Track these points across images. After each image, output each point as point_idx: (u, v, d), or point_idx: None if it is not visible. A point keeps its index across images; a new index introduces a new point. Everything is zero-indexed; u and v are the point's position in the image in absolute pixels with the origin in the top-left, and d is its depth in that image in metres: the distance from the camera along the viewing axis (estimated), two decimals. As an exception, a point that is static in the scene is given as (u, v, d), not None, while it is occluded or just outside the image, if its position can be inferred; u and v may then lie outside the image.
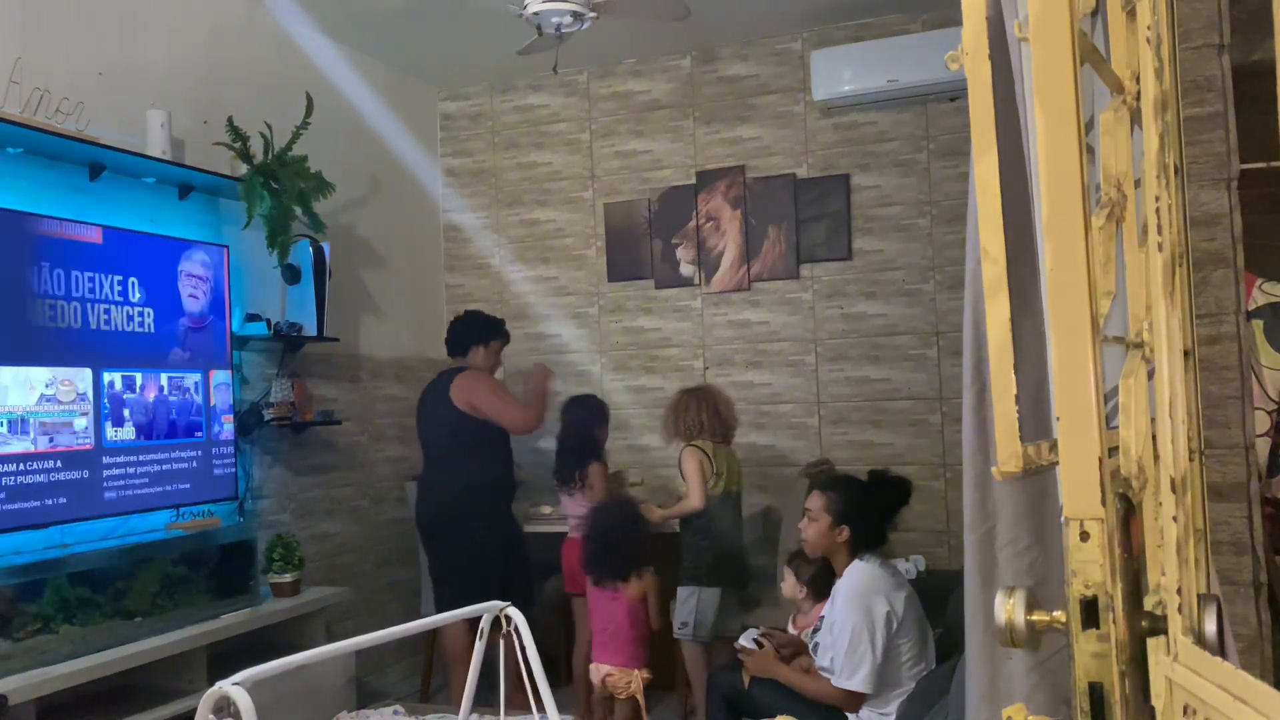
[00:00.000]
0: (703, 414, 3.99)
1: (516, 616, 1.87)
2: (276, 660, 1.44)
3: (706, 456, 3.92)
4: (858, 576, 2.94)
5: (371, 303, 4.72)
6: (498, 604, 1.91)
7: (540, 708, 1.86)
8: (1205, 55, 1.59)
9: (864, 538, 3.02)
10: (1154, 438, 0.91)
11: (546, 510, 4.56)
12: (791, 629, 3.32)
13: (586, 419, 4.18)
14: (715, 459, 3.94)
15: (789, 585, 3.33)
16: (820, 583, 3.20)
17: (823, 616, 3.08)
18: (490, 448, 4.11)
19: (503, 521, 4.15)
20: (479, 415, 4.04)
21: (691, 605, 3.86)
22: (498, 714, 2.08)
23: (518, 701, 3.11)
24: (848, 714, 2.90)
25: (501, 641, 1.90)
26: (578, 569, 3.84)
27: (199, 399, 3.49)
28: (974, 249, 1.58)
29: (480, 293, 5.28)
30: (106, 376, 3.15)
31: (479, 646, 1.91)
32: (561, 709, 1.96)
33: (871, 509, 3.10)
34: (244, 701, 1.26)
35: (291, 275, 3.92)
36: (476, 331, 4.25)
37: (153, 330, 3.33)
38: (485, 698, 2.18)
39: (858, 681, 2.82)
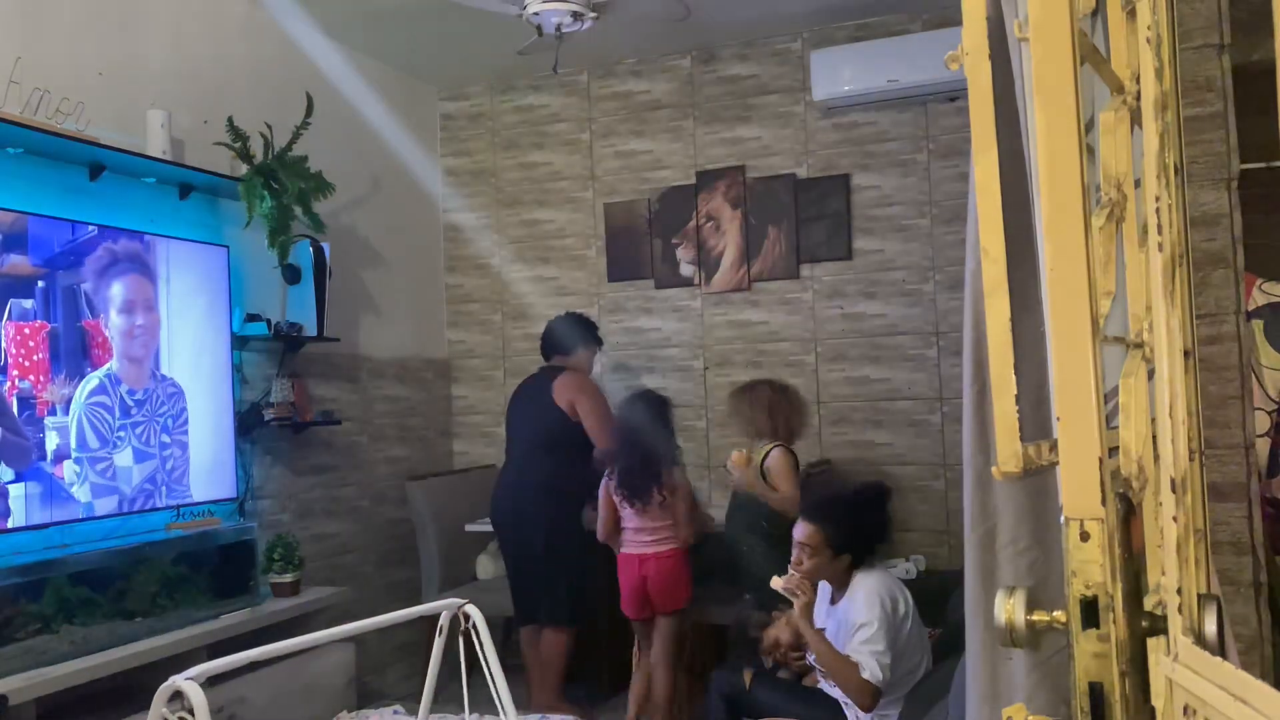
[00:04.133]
0: (778, 416, 3.77)
1: (475, 614, 1.87)
2: (230, 656, 1.46)
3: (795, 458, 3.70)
4: (872, 581, 2.92)
5: (371, 303, 4.72)
6: (456, 601, 1.91)
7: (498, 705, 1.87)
8: (1205, 55, 1.59)
9: (865, 558, 2.97)
10: (1154, 438, 0.91)
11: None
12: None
13: (656, 418, 3.76)
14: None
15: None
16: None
17: (821, 629, 3.05)
18: (578, 452, 4.02)
19: (580, 528, 4.06)
20: (574, 418, 3.98)
21: None
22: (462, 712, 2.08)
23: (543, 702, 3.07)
24: (848, 715, 2.90)
25: (460, 639, 1.90)
26: (642, 589, 3.68)
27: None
28: (974, 249, 1.58)
29: (480, 293, 5.28)
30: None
31: (438, 643, 1.91)
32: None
33: (868, 527, 3.02)
34: (197, 696, 1.26)
35: (291, 275, 3.92)
36: (587, 332, 4.25)
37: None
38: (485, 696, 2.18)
39: (880, 679, 2.75)
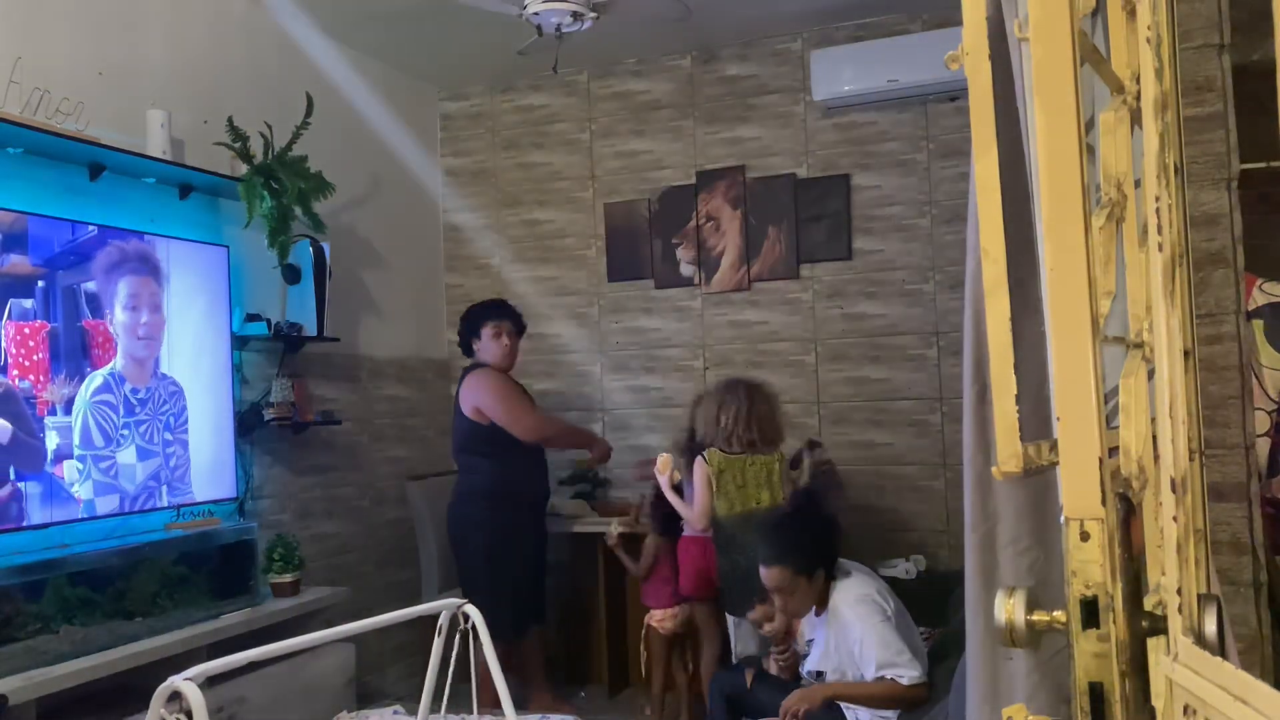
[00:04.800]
0: (724, 418, 3.56)
1: (474, 614, 1.87)
2: (229, 656, 1.46)
3: (712, 470, 3.54)
4: (852, 587, 2.91)
5: (371, 303, 4.72)
6: (455, 601, 1.92)
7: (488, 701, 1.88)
8: (1205, 55, 1.59)
9: (833, 565, 2.96)
10: (1154, 438, 0.91)
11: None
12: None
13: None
14: (725, 473, 3.54)
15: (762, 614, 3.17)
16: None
17: (810, 640, 3.03)
18: (514, 453, 3.97)
19: (531, 531, 4.06)
20: (483, 421, 3.95)
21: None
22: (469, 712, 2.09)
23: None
24: (847, 715, 2.90)
25: (458, 639, 1.90)
26: (709, 570, 3.66)
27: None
28: (974, 249, 1.58)
29: (480, 293, 5.26)
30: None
31: (437, 644, 1.91)
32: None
33: (824, 539, 3.00)
34: (195, 697, 1.27)
35: (291, 275, 3.92)
36: (467, 324, 4.14)
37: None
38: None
39: (921, 671, 2.72)
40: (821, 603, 2.95)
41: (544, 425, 4.05)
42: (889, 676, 2.76)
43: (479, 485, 4.00)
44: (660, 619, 3.88)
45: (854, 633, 2.83)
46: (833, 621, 2.90)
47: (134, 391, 3.25)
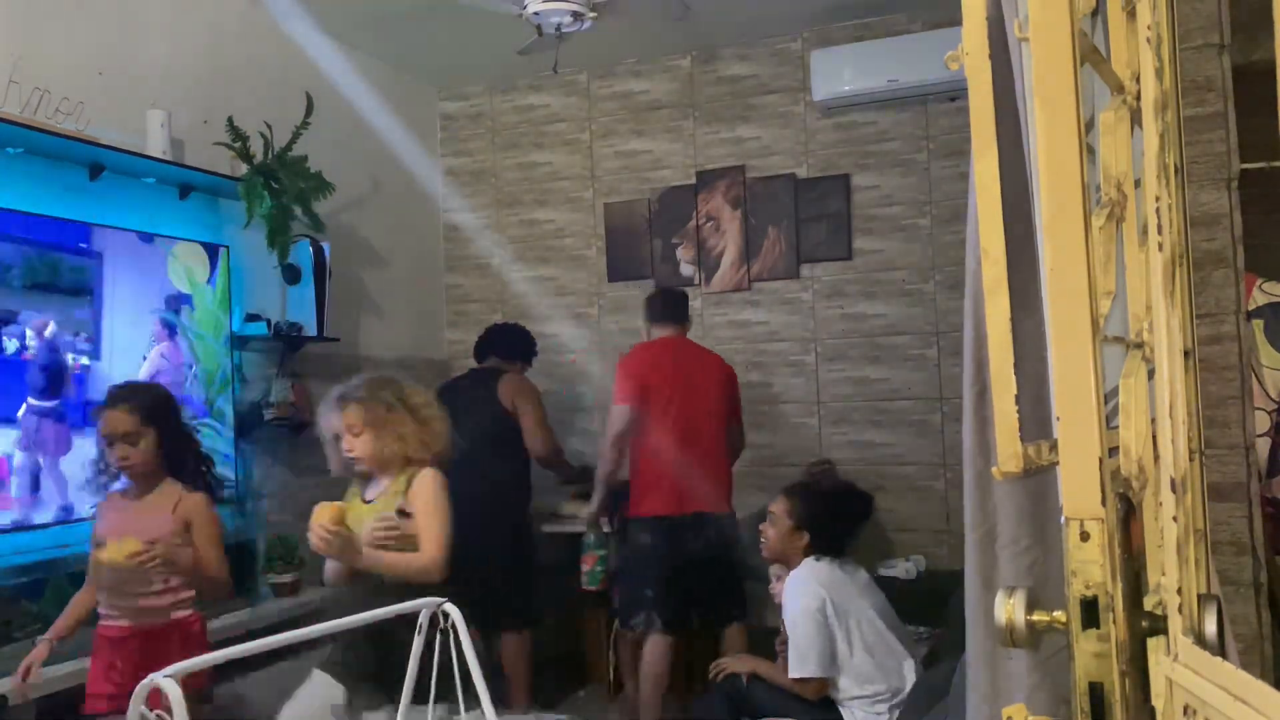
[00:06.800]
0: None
1: (454, 613, 1.86)
2: (211, 653, 1.47)
3: None
4: (800, 571, 3.03)
5: (371, 303, 4.72)
6: (435, 600, 1.90)
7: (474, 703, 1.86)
8: (1205, 55, 1.59)
9: (823, 545, 3.07)
10: (1154, 438, 0.91)
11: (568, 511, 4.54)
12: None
13: None
14: None
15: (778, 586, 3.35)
16: None
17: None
18: (516, 450, 4.08)
19: (520, 525, 4.15)
20: (513, 418, 4.03)
21: None
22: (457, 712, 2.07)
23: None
24: (844, 714, 2.91)
25: (439, 638, 1.88)
26: None
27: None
28: (974, 249, 1.58)
29: (480, 293, 5.28)
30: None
31: (418, 642, 1.89)
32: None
33: (833, 518, 3.13)
34: (175, 694, 1.26)
35: (291, 275, 3.92)
36: (530, 348, 4.34)
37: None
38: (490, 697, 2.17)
39: (808, 669, 2.89)
40: (792, 568, 3.11)
41: (553, 443, 4.15)
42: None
43: (522, 477, 4.11)
44: None
45: (785, 610, 3.01)
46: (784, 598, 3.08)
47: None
